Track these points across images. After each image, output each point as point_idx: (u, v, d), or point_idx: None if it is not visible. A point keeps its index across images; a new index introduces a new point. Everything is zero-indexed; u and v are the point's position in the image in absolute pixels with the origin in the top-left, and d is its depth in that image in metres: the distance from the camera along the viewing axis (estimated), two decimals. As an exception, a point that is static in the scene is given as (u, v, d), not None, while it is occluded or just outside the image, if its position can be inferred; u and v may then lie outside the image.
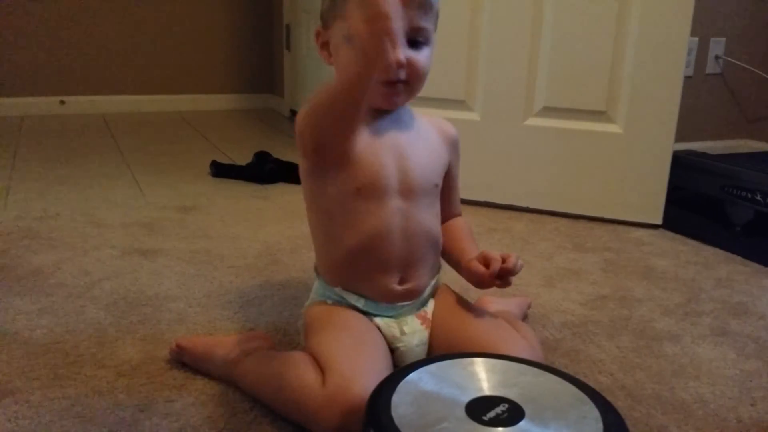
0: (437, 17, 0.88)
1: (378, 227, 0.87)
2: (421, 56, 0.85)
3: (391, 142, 0.88)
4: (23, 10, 2.86)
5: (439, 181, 0.94)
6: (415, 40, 0.84)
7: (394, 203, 0.87)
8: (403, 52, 0.81)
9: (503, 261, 0.85)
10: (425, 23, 0.84)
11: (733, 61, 2.46)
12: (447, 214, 1.00)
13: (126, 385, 0.89)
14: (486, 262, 0.87)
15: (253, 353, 0.90)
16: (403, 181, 0.88)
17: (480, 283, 0.88)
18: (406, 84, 0.85)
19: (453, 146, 0.98)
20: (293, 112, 3.09)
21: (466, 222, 1.03)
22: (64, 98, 3.00)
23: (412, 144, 0.90)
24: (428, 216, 0.92)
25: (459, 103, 1.80)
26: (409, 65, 0.83)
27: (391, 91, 0.85)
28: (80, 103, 3.02)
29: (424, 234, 0.90)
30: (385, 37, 0.65)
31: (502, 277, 0.86)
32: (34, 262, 1.30)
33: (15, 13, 2.85)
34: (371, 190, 0.86)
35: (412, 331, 0.89)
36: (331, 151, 0.84)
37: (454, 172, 0.99)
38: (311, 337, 0.87)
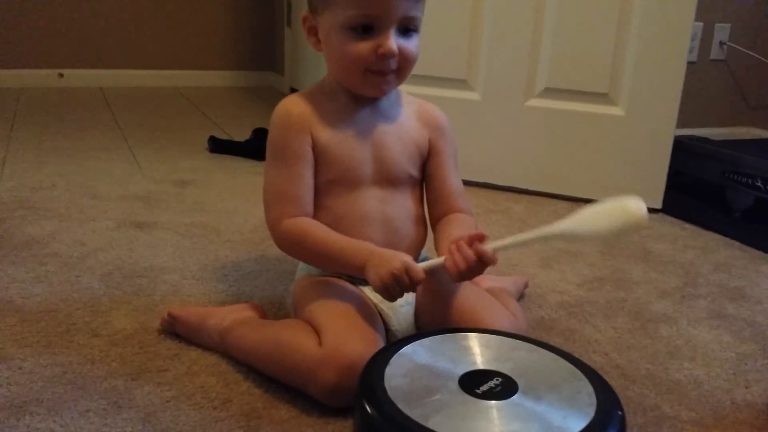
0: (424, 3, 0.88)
1: (354, 212, 0.88)
2: (411, 44, 0.85)
3: (368, 133, 0.89)
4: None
5: (414, 172, 0.93)
6: (407, 29, 0.84)
7: (370, 191, 0.89)
8: (395, 43, 0.82)
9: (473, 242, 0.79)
10: (417, 12, 0.85)
11: (737, 47, 2.43)
12: (445, 209, 0.94)
13: (119, 354, 0.89)
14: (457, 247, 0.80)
15: (247, 321, 0.90)
16: (379, 171, 0.90)
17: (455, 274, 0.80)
18: (396, 72, 0.86)
19: (437, 131, 0.94)
20: (293, 90, 3.07)
21: (471, 219, 0.94)
22: (63, 71, 2.97)
23: (390, 133, 0.91)
24: (408, 201, 0.93)
25: (460, 83, 1.78)
26: (401, 54, 0.84)
27: (382, 80, 0.86)
28: (79, 77, 2.99)
29: (403, 217, 0.92)
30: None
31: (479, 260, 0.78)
32: (29, 232, 1.29)
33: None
34: (344, 182, 0.88)
35: None
36: None
37: (442, 160, 0.94)
38: (302, 307, 0.87)
